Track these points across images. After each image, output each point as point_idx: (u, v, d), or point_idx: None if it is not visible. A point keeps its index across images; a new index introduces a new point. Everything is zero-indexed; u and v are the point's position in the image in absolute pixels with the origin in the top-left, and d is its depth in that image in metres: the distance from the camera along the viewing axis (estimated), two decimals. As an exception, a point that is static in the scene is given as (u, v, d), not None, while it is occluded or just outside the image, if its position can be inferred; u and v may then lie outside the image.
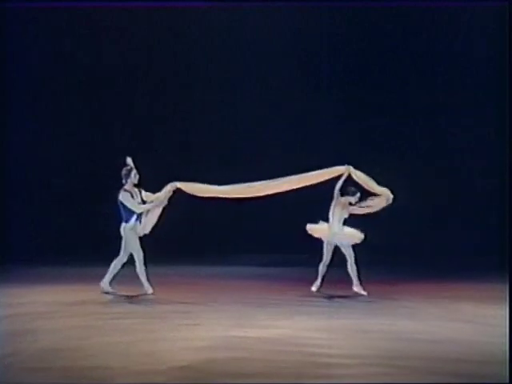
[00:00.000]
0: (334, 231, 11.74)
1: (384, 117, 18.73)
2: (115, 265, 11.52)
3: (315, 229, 11.92)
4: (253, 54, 19.04)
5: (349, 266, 11.73)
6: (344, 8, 18.26)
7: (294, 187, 11.93)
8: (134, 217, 11.43)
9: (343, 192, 11.91)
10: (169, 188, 11.56)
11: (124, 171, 11.51)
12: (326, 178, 11.80)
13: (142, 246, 11.57)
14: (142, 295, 11.43)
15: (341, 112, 18.84)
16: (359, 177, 11.81)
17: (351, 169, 11.85)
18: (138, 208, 11.44)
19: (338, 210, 11.81)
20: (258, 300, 11.36)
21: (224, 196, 11.98)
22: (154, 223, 11.59)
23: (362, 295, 11.66)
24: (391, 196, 11.86)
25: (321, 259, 11.89)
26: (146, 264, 11.50)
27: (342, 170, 11.84)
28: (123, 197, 11.41)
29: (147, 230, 11.60)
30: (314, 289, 11.89)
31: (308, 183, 11.88)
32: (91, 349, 7.68)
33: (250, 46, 19.02)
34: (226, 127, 19.01)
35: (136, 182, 11.56)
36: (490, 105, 18.15)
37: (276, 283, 13.61)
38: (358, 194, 11.90)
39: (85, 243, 17.96)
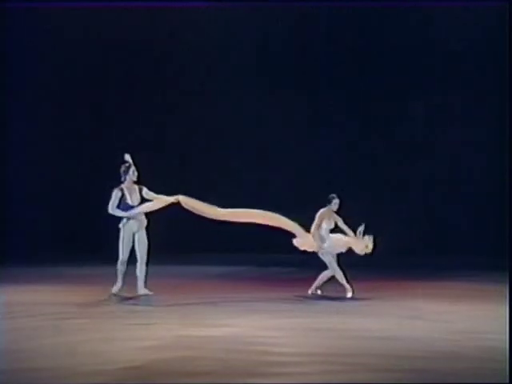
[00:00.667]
0: (321, 242, 11.59)
1: (383, 117, 18.75)
2: (140, 269, 11.34)
3: (302, 242, 11.73)
4: (253, 54, 19.07)
5: (327, 272, 11.61)
6: (344, 8, 18.25)
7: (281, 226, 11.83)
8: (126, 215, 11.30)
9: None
10: (172, 199, 11.44)
11: (122, 168, 11.36)
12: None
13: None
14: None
15: (341, 112, 18.85)
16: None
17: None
18: (112, 209, 11.20)
19: (324, 222, 11.66)
20: (214, 299, 11.23)
21: (222, 219, 11.76)
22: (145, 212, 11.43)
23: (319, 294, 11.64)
24: (362, 251, 11.64)
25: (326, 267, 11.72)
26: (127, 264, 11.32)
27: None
28: (115, 193, 11.33)
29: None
30: (349, 295, 11.55)
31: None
32: (37, 350, 7.56)
33: (250, 46, 19.06)
34: (226, 127, 19.00)
35: (135, 179, 11.37)
36: (490, 104, 18.15)
37: (241, 282, 13.54)
38: (337, 200, 11.68)
39: (84, 243, 17.97)
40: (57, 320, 9.33)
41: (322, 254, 11.64)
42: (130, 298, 11.17)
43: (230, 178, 18.70)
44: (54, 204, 18.68)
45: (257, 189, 18.66)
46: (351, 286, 11.58)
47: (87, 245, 17.81)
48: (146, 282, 11.37)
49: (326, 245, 11.60)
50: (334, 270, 11.58)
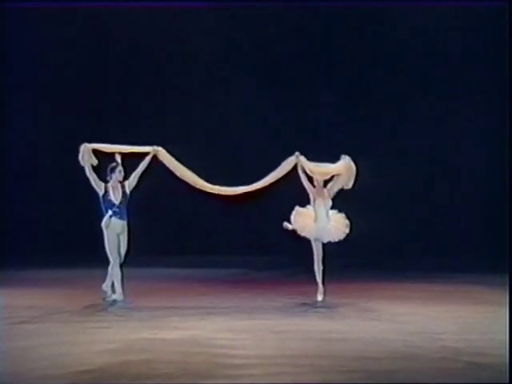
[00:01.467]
0: (321, 225, 11.10)
1: (384, 115, 18.73)
2: (113, 267, 11.22)
3: (301, 226, 11.22)
4: (253, 54, 19.07)
5: (315, 265, 11.11)
6: (344, 8, 18.24)
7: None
8: (109, 213, 11.21)
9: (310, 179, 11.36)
10: (150, 149, 11.44)
11: (109, 167, 11.42)
12: (288, 170, 11.37)
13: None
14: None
15: (341, 112, 18.85)
16: (308, 166, 11.25)
17: (301, 159, 11.29)
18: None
19: (320, 199, 11.22)
20: (183, 302, 11.20)
21: (194, 185, 11.78)
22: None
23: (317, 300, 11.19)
24: (351, 164, 11.19)
25: (312, 259, 11.19)
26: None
27: (293, 159, 11.32)
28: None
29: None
30: (319, 298, 11.15)
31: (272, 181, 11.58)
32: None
33: (251, 46, 19.07)
34: (226, 127, 19.00)
35: (121, 179, 11.36)
36: (490, 104, 18.14)
37: (219, 286, 13.51)
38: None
39: (84, 243, 17.95)
40: (19, 324, 9.30)
41: (315, 239, 11.08)
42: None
43: (229, 177, 18.66)
44: (54, 204, 18.68)
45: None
46: (324, 289, 11.26)
47: (87, 245, 17.77)
48: (122, 285, 11.28)
49: (325, 228, 11.09)
50: (318, 260, 11.06)
